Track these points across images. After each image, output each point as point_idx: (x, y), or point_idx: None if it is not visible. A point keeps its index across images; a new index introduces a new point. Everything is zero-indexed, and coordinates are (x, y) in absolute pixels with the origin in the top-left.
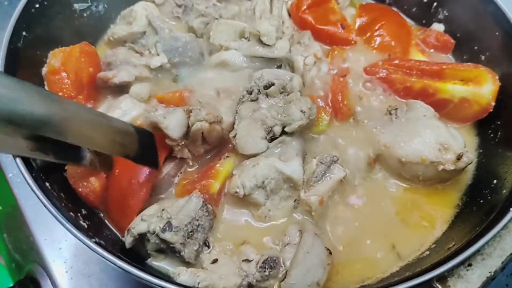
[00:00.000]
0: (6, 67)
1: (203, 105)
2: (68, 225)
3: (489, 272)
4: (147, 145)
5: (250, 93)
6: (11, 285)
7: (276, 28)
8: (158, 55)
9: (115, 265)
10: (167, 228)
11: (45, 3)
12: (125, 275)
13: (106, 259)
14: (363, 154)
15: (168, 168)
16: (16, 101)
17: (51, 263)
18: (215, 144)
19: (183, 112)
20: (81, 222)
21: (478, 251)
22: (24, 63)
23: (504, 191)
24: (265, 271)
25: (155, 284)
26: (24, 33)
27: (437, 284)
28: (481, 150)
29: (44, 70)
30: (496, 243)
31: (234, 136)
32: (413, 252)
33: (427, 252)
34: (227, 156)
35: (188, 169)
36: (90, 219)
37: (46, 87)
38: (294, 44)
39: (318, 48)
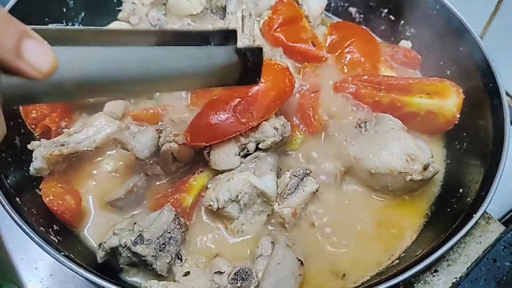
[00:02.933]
0: None
1: (175, 123)
2: (37, 238)
3: (455, 278)
4: (251, 66)
5: None
6: None
7: None
8: None
9: (84, 277)
10: (139, 241)
11: None
12: None
13: (75, 272)
14: (334, 166)
15: (136, 180)
16: None
17: (27, 283)
18: (187, 162)
19: (153, 132)
20: (52, 237)
21: (443, 257)
22: None
23: (468, 199)
24: (237, 283)
25: None
26: None
27: None
28: (448, 161)
29: None
30: (461, 250)
31: (208, 152)
32: (384, 261)
33: (397, 261)
34: (201, 171)
35: (157, 183)
36: (62, 234)
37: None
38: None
39: (289, 66)
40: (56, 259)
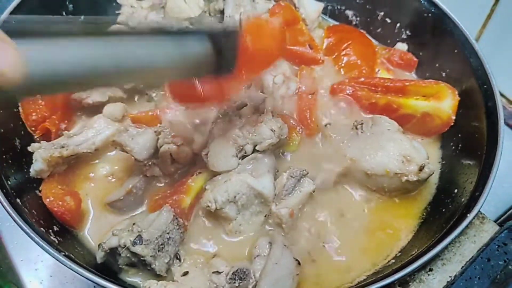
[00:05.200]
0: None
1: (174, 125)
2: (37, 239)
3: (449, 277)
4: (226, 54)
5: (223, 115)
6: None
7: None
8: None
9: (84, 277)
10: (138, 242)
11: None
12: None
13: (76, 272)
14: (331, 167)
15: (135, 181)
16: None
17: (27, 284)
18: (185, 163)
19: (152, 134)
20: (52, 237)
21: (438, 256)
22: None
23: (463, 199)
24: (234, 283)
25: None
26: None
27: None
28: (444, 162)
29: None
30: (455, 249)
31: (206, 154)
32: (380, 261)
33: (393, 261)
34: (200, 172)
35: (158, 184)
36: (62, 235)
37: (20, 108)
38: None
39: (286, 68)
40: (56, 259)
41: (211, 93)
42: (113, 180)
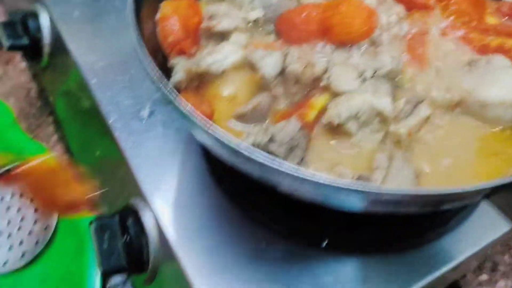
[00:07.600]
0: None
1: (300, 49)
2: None
3: None
4: None
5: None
6: None
7: None
8: (255, 9)
9: None
10: (272, 141)
11: None
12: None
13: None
14: (445, 97)
15: (261, 97)
16: None
17: (151, 196)
18: (308, 85)
19: (280, 55)
20: None
21: None
22: (144, 9)
23: None
24: None
25: None
26: None
27: None
28: None
29: (157, 16)
30: None
31: (328, 78)
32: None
33: None
34: (322, 94)
35: (279, 103)
36: None
37: (158, 32)
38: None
39: (400, 9)
40: None
41: None
42: (236, 101)
